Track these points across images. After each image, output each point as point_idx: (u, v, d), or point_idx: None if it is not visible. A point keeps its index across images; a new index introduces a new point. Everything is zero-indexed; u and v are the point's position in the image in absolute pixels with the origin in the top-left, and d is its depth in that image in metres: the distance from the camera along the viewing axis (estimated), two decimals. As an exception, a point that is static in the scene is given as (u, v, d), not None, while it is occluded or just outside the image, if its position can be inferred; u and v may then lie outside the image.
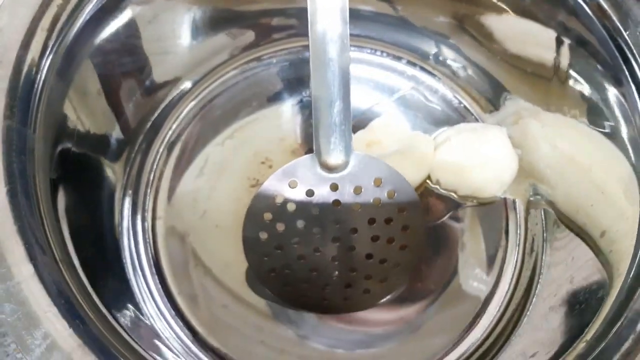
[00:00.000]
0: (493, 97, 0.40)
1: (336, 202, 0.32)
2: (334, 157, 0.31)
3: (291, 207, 0.32)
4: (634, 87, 0.29)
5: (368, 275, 0.34)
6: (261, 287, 0.35)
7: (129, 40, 0.34)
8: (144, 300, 0.34)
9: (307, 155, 0.32)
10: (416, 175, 0.37)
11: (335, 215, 0.32)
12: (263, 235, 0.33)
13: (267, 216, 0.32)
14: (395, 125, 0.39)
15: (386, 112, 0.40)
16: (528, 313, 0.34)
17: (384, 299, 0.35)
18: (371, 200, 0.32)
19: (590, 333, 0.26)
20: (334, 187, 0.32)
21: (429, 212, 0.38)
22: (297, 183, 0.32)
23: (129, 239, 0.36)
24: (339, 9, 0.29)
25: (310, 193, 0.32)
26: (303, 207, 0.32)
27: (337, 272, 0.34)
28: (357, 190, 0.32)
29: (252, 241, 0.33)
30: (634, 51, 0.29)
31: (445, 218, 0.38)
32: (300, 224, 0.32)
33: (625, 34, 0.29)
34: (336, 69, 0.30)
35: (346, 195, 0.32)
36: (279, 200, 0.32)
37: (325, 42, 0.29)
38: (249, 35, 0.40)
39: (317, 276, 0.34)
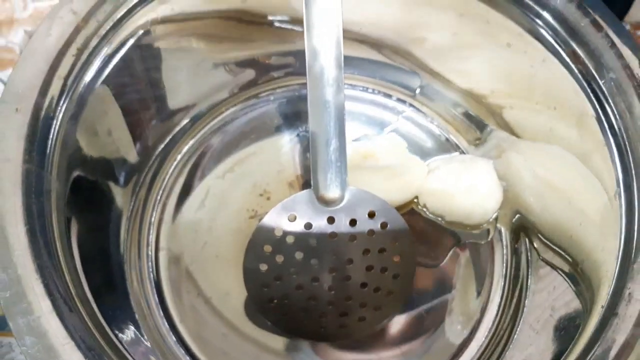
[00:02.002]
0: (478, 130, 0.42)
1: (333, 234, 0.34)
2: (331, 192, 0.33)
3: (290, 239, 0.34)
4: (608, 132, 0.31)
5: (363, 303, 0.35)
6: (259, 316, 0.36)
7: (135, 82, 0.36)
8: (149, 329, 0.36)
9: (305, 191, 0.33)
10: (398, 196, 0.39)
11: (332, 247, 0.34)
12: (263, 267, 0.34)
13: (267, 248, 0.34)
14: (395, 144, 0.41)
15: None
16: (515, 337, 0.36)
17: (378, 326, 0.37)
18: (365, 232, 0.34)
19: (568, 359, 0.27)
20: (331, 220, 0.34)
21: (431, 252, 0.39)
22: (296, 216, 0.33)
23: (134, 269, 0.37)
24: (334, 56, 0.31)
25: (308, 226, 0.34)
26: (301, 240, 0.34)
27: (333, 301, 0.35)
28: (352, 223, 0.34)
29: (252, 272, 0.34)
30: (609, 98, 0.31)
31: (447, 258, 0.39)
32: (298, 255, 0.34)
33: (600, 82, 0.31)
34: (332, 111, 0.32)
35: (342, 227, 0.34)
36: (278, 233, 0.34)
37: (322, 86, 0.31)
38: (249, 74, 0.42)
39: (314, 305, 0.35)
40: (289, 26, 0.39)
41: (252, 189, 0.40)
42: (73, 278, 0.28)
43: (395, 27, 0.40)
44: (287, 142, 0.42)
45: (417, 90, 0.43)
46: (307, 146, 0.41)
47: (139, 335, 0.34)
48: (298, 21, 0.39)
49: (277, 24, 0.39)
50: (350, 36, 0.40)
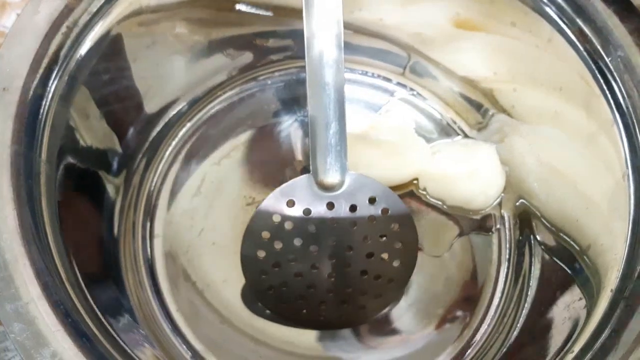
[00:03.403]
0: (480, 114, 0.41)
1: (332, 220, 0.33)
2: (330, 177, 0.32)
3: (289, 225, 0.33)
4: (616, 111, 0.31)
5: (363, 291, 0.35)
6: (257, 304, 0.36)
7: (128, 64, 0.35)
8: (144, 317, 0.35)
9: (304, 175, 0.33)
10: (396, 174, 0.38)
11: (332, 233, 0.33)
12: (261, 254, 0.33)
13: (265, 235, 0.33)
14: (402, 123, 0.40)
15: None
16: (519, 324, 0.35)
17: (378, 314, 0.36)
18: (366, 218, 0.33)
19: (577, 345, 0.27)
20: (330, 206, 0.33)
21: (432, 239, 0.39)
22: (295, 202, 0.33)
23: (129, 257, 0.36)
24: (334, 35, 0.30)
25: (307, 212, 0.33)
26: (300, 226, 0.33)
27: (333, 289, 0.34)
28: (353, 209, 0.33)
29: (250, 259, 0.34)
30: (616, 77, 0.30)
31: (450, 245, 0.38)
32: (297, 242, 0.33)
33: (607, 60, 0.31)
34: (332, 93, 0.31)
35: (342, 213, 0.33)
36: (276, 219, 0.33)
37: (321, 67, 0.30)
38: (247, 57, 0.41)
39: (313, 293, 0.34)
40: (255, 11, 0.38)
41: (249, 175, 0.39)
42: (64, 263, 0.27)
43: (397, 24, 0.39)
44: (284, 128, 0.41)
45: (420, 79, 0.42)
46: (306, 131, 0.40)
47: (134, 323, 0.33)
48: (264, 5, 0.38)
49: (243, 9, 0.38)
50: (349, 28, 0.39)
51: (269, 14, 0.39)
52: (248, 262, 0.34)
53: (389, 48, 0.41)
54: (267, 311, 0.36)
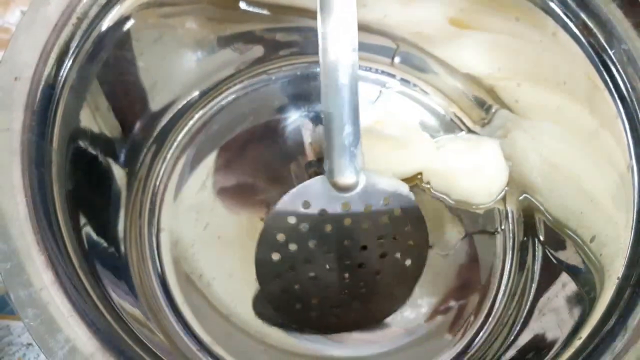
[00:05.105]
0: (483, 111, 0.42)
1: (347, 221, 0.33)
2: (345, 178, 0.32)
3: (304, 227, 0.32)
4: (620, 104, 0.31)
5: (376, 291, 0.34)
6: (263, 298, 0.35)
7: (137, 56, 0.35)
8: (150, 309, 0.35)
9: (318, 177, 0.32)
10: (401, 168, 0.39)
11: (347, 234, 0.33)
12: (276, 256, 0.33)
13: (281, 237, 0.33)
14: (407, 116, 0.41)
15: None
16: (523, 317, 0.35)
17: (390, 314, 0.36)
18: (380, 218, 0.33)
19: (584, 331, 0.27)
20: (346, 207, 0.33)
21: (438, 235, 0.39)
22: (310, 203, 0.32)
23: (134, 250, 0.36)
24: (349, 38, 0.29)
25: (322, 213, 0.32)
26: (316, 227, 0.32)
27: (346, 290, 0.34)
28: (368, 209, 0.33)
29: (265, 263, 0.33)
30: (620, 69, 0.31)
31: (457, 246, 0.39)
32: (312, 243, 0.33)
33: (610, 52, 0.31)
34: (346, 95, 0.30)
35: (357, 213, 0.33)
36: (292, 220, 0.32)
37: (335, 70, 0.29)
38: (255, 51, 0.41)
39: (326, 294, 0.34)
40: (258, 10, 0.39)
41: (255, 169, 0.39)
42: (75, 250, 0.27)
43: (399, 21, 0.40)
44: (291, 123, 0.41)
45: (424, 75, 0.42)
46: (312, 126, 0.40)
47: (141, 315, 0.33)
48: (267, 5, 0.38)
49: (245, 8, 0.38)
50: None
51: (270, 13, 0.39)
52: (262, 266, 0.33)
53: (390, 45, 0.41)
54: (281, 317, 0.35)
